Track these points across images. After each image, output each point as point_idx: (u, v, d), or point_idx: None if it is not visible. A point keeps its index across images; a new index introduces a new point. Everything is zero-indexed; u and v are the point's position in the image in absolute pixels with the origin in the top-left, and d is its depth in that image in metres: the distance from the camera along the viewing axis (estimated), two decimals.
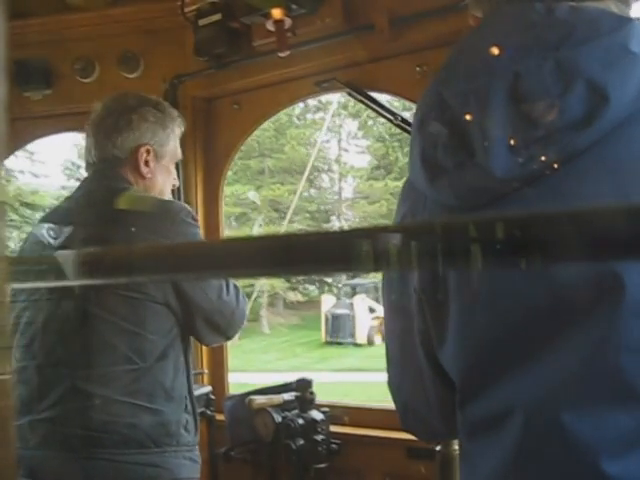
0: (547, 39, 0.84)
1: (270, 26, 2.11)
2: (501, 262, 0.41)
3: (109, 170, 1.79)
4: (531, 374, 0.84)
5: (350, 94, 2.23)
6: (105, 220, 1.66)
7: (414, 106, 1.04)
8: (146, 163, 1.81)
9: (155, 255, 0.47)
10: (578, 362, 0.81)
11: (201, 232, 1.84)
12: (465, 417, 0.95)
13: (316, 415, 2.12)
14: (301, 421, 2.09)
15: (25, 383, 1.66)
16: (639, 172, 0.80)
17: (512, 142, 0.82)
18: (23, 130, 2.58)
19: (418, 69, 2.10)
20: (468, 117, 0.86)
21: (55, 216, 1.84)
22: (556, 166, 0.81)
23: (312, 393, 2.16)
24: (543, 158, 0.81)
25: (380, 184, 26.31)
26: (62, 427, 1.59)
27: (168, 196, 1.91)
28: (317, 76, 2.27)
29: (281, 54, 2.13)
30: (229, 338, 1.90)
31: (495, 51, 0.87)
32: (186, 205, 1.84)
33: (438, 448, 1.70)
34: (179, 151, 1.93)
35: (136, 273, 0.46)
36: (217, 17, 2.24)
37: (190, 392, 1.75)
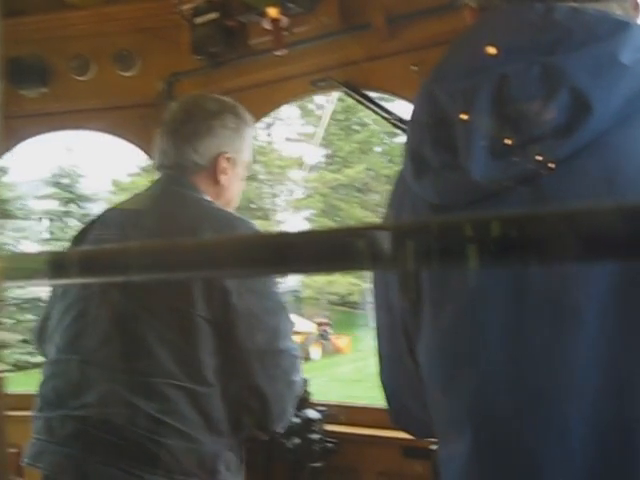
0: (541, 42, 0.83)
1: (266, 25, 2.11)
2: (495, 262, 0.41)
3: (183, 176, 1.76)
4: (486, 381, 0.85)
5: (346, 93, 2.23)
6: (163, 228, 1.60)
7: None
8: (224, 171, 1.78)
9: (151, 253, 0.47)
10: (531, 376, 0.82)
11: None
12: (434, 418, 0.96)
13: (312, 414, 2.12)
14: (297, 420, 2.09)
15: (63, 376, 1.63)
16: (618, 183, 0.79)
17: (493, 146, 0.82)
18: (19, 128, 2.57)
19: (414, 68, 2.10)
20: (455, 117, 0.86)
21: (112, 216, 1.81)
22: (536, 173, 0.80)
23: (308, 392, 2.16)
24: (523, 164, 0.80)
25: (315, 176, 23.74)
26: (92, 428, 1.54)
27: (236, 204, 1.87)
28: (313, 75, 2.27)
29: (277, 53, 2.13)
30: (267, 417, 1.66)
31: (485, 52, 0.87)
32: (251, 223, 1.77)
33: (434, 447, 1.70)
34: (251, 157, 1.90)
35: (131, 271, 0.46)
36: (213, 15, 2.24)
37: (238, 430, 1.64)
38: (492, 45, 0.87)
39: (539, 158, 0.80)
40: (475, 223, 0.37)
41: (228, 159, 1.78)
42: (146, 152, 2.61)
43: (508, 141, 0.81)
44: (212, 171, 1.77)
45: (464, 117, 0.84)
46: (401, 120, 2.10)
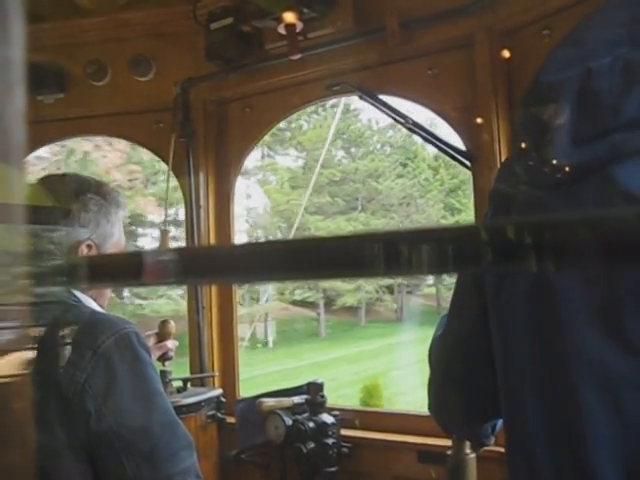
0: (635, 35, 0.86)
1: (281, 30, 2.11)
2: (512, 267, 0.41)
3: None
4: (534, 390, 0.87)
5: (361, 97, 2.23)
6: None
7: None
8: None
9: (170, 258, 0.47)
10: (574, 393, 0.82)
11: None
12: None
13: (327, 418, 2.12)
14: (312, 424, 2.09)
15: None
16: None
17: (575, 134, 0.85)
18: (36, 134, 2.60)
19: (429, 72, 2.10)
20: (548, 105, 0.90)
21: None
22: (607, 164, 0.83)
23: (323, 396, 2.16)
24: (595, 155, 0.84)
25: None
26: None
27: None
28: (328, 79, 2.27)
29: (292, 57, 2.14)
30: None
31: (581, 44, 0.91)
32: (127, 323, 1.40)
33: (449, 452, 1.69)
34: (123, 238, 1.64)
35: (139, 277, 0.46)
36: (229, 21, 2.25)
37: None
38: (590, 37, 0.91)
39: (611, 150, 0.83)
40: (489, 229, 0.37)
41: (90, 247, 1.52)
42: (160, 156, 2.63)
43: (589, 131, 0.85)
44: None
45: (554, 106, 0.89)
46: (416, 124, 2.10)
